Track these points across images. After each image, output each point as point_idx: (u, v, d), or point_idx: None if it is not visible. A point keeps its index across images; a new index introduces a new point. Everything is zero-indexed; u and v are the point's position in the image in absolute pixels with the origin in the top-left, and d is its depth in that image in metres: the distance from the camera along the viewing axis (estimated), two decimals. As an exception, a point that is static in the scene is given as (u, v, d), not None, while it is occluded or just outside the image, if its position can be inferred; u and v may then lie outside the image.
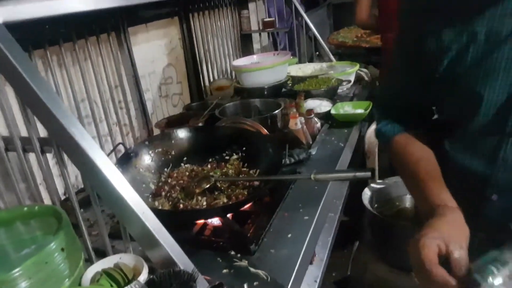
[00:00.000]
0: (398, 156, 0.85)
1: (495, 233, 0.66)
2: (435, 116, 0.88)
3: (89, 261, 0.87)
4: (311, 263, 1.16)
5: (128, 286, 0.74)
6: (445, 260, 0.61)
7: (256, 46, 2.82)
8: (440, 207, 0.68)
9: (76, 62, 1.35)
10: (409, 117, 0.86)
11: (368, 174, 0.89)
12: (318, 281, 1.18)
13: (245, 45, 2.69)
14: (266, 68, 1.97)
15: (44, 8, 0.85)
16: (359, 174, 0.92)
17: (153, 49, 1.83)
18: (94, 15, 1.10)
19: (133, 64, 1.61)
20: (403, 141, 0.84)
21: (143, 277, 0.77)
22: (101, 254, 0.90)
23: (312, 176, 1.00)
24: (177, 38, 1.99)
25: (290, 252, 0.96)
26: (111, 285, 0.76)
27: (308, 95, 1.95)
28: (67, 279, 0.75)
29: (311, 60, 2.77)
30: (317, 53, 2.81)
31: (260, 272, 0.88)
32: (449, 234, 0.62)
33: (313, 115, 1.69)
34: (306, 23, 2.65)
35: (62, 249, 0.73)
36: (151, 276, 0.76)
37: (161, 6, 1.78)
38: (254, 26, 2.77)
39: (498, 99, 0.66)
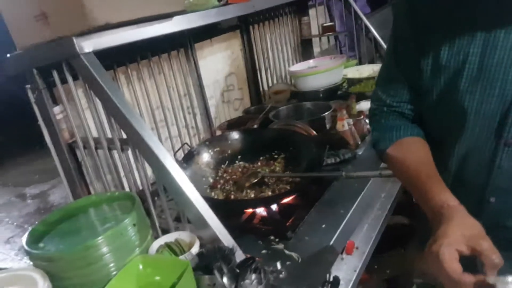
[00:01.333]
0: (397, 163, 0.85)
1: (492, 232, 0.65)
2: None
3: (157, 238, 1.10)
4: (350, 253, 1.28)
5: (183, 255, 0.94)
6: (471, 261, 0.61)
7: (316, 49, 2.93)
8: (444, 208, 0.69)
9: (152, 76, 1.61)
10: (403, 124, 0.88)
11: (390, 172, 0.98)
12: (357, 271, 1.29)
13: (305, 49, 2.81)
14: (321, 72, 2.08)
15: (121, 37, 1.08)
16: (384, 172, 1.02)
17: (217, 60, 2.06)
18: (165, 35, 1.33)
19: (198, 75, 1.85)
20: (400, 148, 0.85)
21: (195, 249, 0.96)
22: (167, 232, 1.12)
23: (343, 174, 1.12)
24: (238, 49, 2.20)
25: (321, 240, 1.09)
26: (170, 254, 0.97)
27: (362, 96, 2.02)
28: (137, 248, 0.96)
29: (371, 62, 2.80)
30: (378, 54, 2.83)
31: (293, 254, 1.03)
32: (463, 234, 0.63)
33: (363, 117, 1.77)
34: (366, 25, 2.70)
35: (134, 225, 0.95)
36: (201, 250, 0.96)
37: (224, 22, 1.99)
38: (314, 30, 2.88)
39: (494, 113, 0.71)
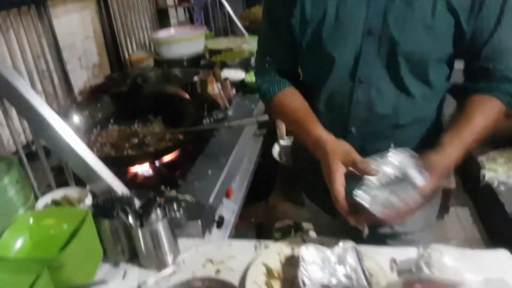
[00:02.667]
0: (281, 109, 1.03)
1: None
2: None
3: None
4: (228, 197, 1.43)
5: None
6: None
7: (173, 21, 2.94)
8: (319, 140, 0.87)
9: (0, 33, 1.41)
10: (284, 78, 1.06)
11: (265, 118, 1.14)
12: (235, 213, 1.46)
13: (162, 20, 2.80)
14: (184, 40, 2.14)
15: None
16: (260, 119, 1.18)
17: (72, 22, 1.89)
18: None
19: (54, 37, 1.69)
20: (282, 97, 1.03)
21: (89, 201, 0.95)
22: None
23: (226, 124, 1.24)
24: (94, 12, 2.06)
25: (210, 183, 1.20)
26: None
27: (224, 65, 2.17)
28: (21, 208, 0.90)
29: (226, 35, 2.98)
30: (231, 29, 3.02)
31: (187, 196, 1.11)
32: (338, 153, 0.83)
33: (228, 82, 1.91)
34: (220, 1, 2.84)
35: (17, 181, 0.88)
36: (95, 201, 0.95)
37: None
38: (169, 1, 2.89)
39: (349, 58, 0.91)
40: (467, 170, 1.67)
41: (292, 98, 1.03)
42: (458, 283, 0.58)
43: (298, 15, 0.95)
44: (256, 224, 2.13)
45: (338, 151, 0.84)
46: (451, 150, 0.83)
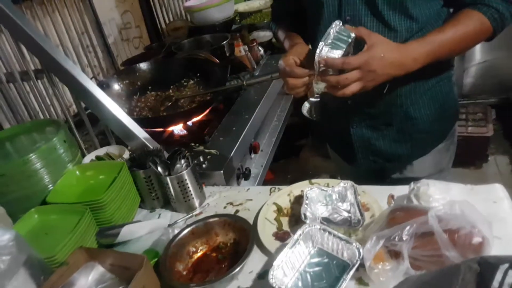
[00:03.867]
0: (278, 33, 1.21)
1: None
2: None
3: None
4: (256, 152, 1.54)
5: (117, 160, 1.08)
6: None
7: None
8: (296, 44, 1.03)
9: (47, 14, 1.59)
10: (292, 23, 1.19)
11: (277, 75, 1.21)
12: (263, 166, 1.58)
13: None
14: (214, 5, 2.21)
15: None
16: (274, 75, 1.24)
17: (110, -3, 2.05)
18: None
19: (94, 13, 1.85)
20: (280, 28, 1.20)
21: (126, 156, 1.11)
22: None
23: (244, 82, 1.33)
24: (130, -14, 2.20)
25: (233, 138, 1.32)
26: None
27: (253, 27, 2.23)
28: (69, 164, 1.07)
29: (258, -3, 3.00)
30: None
31: (212, 150, 1.24)
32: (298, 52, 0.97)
33: (256, 44, 1.98)
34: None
35: (64, 141, 1.05)
36: (131, 155, 1.11)
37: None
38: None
39: (332, 1, 0.97)
40: (507, 118, 1.63)
41: (284, 28, 1.18)
42: (430, 208, 0.64)
43: None
44: (291, 180, 2.24)
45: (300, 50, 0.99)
46: (412, 44, 0.87)
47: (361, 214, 0.83)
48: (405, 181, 1.14)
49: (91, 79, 1.67)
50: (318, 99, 2.11)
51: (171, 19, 2.52)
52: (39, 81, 1.17)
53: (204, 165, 1.18)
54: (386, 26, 0.95)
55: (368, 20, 0.95)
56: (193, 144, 1.32)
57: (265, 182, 1.57)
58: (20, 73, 1.18)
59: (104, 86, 1.57)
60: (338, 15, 0.98)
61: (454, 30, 0.87)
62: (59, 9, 1.65)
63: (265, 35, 2.18)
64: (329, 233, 0.75)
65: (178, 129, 1.46)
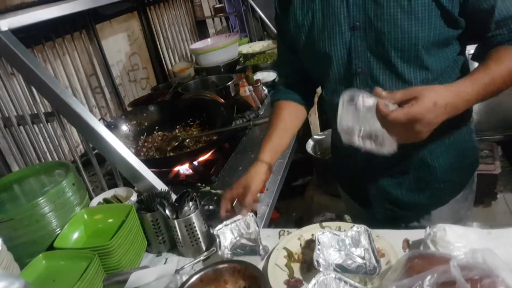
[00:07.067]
0: (272, 115, 1.15)
1: None
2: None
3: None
4: (262, 191, 1.52)
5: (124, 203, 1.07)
6: None
7: (211, 30, 3.12)
8: (258, 162, 1.08)
9: (58, 57, 1.63)
10: (296, 85, 1.16)
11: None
12: (269, 205, 1.55)
13: (201, 31, 2.98)
14: (219, 48, 2.28)
15: (36, 15, 1.13)
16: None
17: (119, 41, 2.11)
18: (67, 17, 1.36)
19: (103, 55, 1.90)
20: (280, 105, 1.15)
21: (134, 198, 1.10)
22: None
23: (251, 123, 1.35)
24: (138, 30, 2.27)
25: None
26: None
27: (257, 68, 2.28)
28: (77, 207, 1.06)
29: (261, 39, 3.09)
30: (265, 32, 3.12)
31: (219, 191, 1.23)
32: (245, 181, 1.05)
33: (260, 84, 2.02)
34: (252, 7, 2.96)
35: (73, 184, 1.04)
36: (139, 198, 1.09)
37: (121, 3, 2.05)
38: (206, 12, 3.06)
39: (342, 53, 0.96)
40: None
41: (284, 109, 1.14)
42: (451, 257, 0.62)
43: (292, 21, 1.03)
44: (296, 218, 2.21)
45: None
46: (457, 85, 0.79)
47: (377, 261, 0.81)
48: (421, 227, 1.12)
49: (99, 120, 1.72)
50: (323, 136, 2.11)
51: (177, 61, 2.58)
52: (48, 123, 1.18)
53: (211, 207, 1.16)
54: (399, 79, 0.92)
55: (380, 73, 0.93)
56: (199, 184, 1.31)
57: (271, 221, 1.55)
58: (31, 115, 1.19)
59: (112, 127, 1.59)
60: (348, 69, 0.97)
61: (500, 68, 0.81)
62: (69, 52, 1.69)
63: (268, 75, 2.22)
64: (345, 282, 0.72)
65: (184, 168, 1.46)
